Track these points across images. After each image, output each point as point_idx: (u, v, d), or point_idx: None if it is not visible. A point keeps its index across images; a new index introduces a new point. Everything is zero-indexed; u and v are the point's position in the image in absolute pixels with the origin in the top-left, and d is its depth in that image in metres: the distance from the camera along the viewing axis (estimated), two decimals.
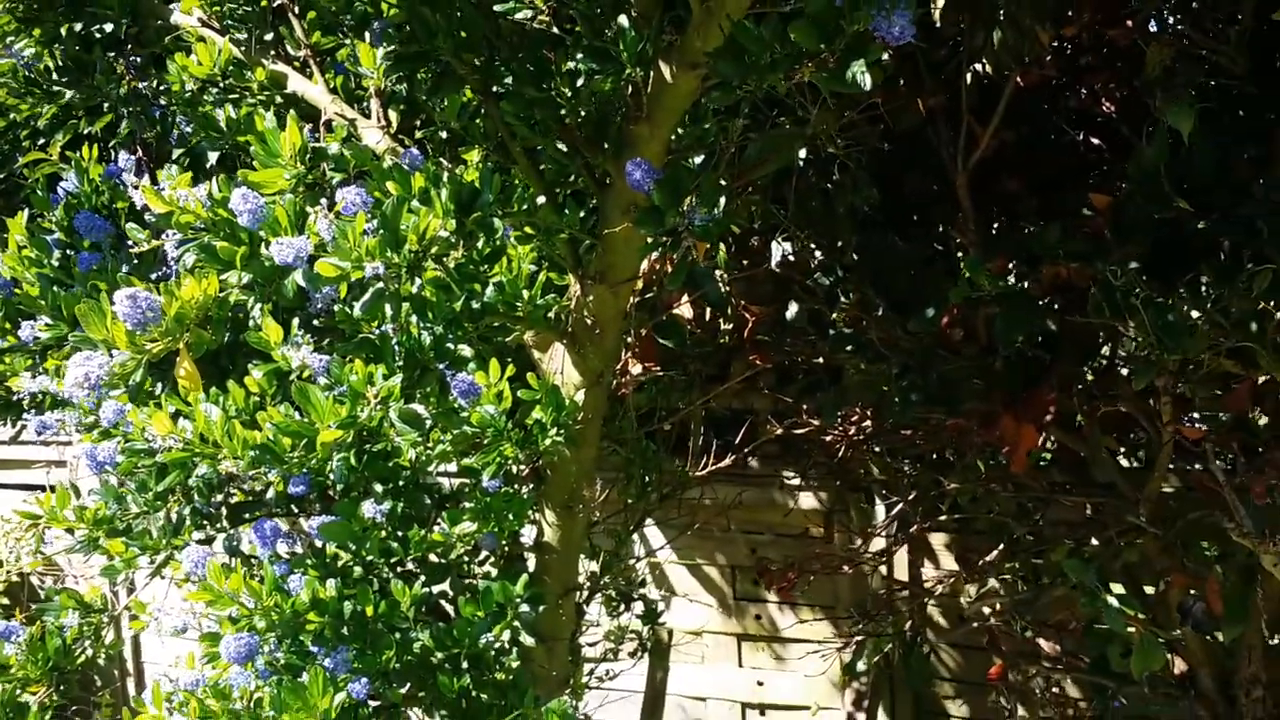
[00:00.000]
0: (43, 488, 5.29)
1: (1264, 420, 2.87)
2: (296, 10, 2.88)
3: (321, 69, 2.88)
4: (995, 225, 2.85)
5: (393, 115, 2.85)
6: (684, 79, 2.15)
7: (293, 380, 2.37)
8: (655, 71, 2.17)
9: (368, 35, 2.61)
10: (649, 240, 2.18)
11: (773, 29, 1.75)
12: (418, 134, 2.91)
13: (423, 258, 2.09)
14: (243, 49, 2.87)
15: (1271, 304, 2.50)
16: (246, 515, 2.93)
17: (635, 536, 3.56)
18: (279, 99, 2.92)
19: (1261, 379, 2.70)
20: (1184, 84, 2.39)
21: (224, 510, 2.89)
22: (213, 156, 3.07)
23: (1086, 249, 2.49)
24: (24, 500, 2.92)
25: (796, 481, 4.05)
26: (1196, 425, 2.98)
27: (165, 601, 2.79)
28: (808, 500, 4.10)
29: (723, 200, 1.90)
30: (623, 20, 2.13)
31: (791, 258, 3.08)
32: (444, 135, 2.91)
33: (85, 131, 3.34)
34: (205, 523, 2.84)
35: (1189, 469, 2.78)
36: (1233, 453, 2.62)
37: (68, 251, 3.09)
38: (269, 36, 2.93)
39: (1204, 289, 2.55)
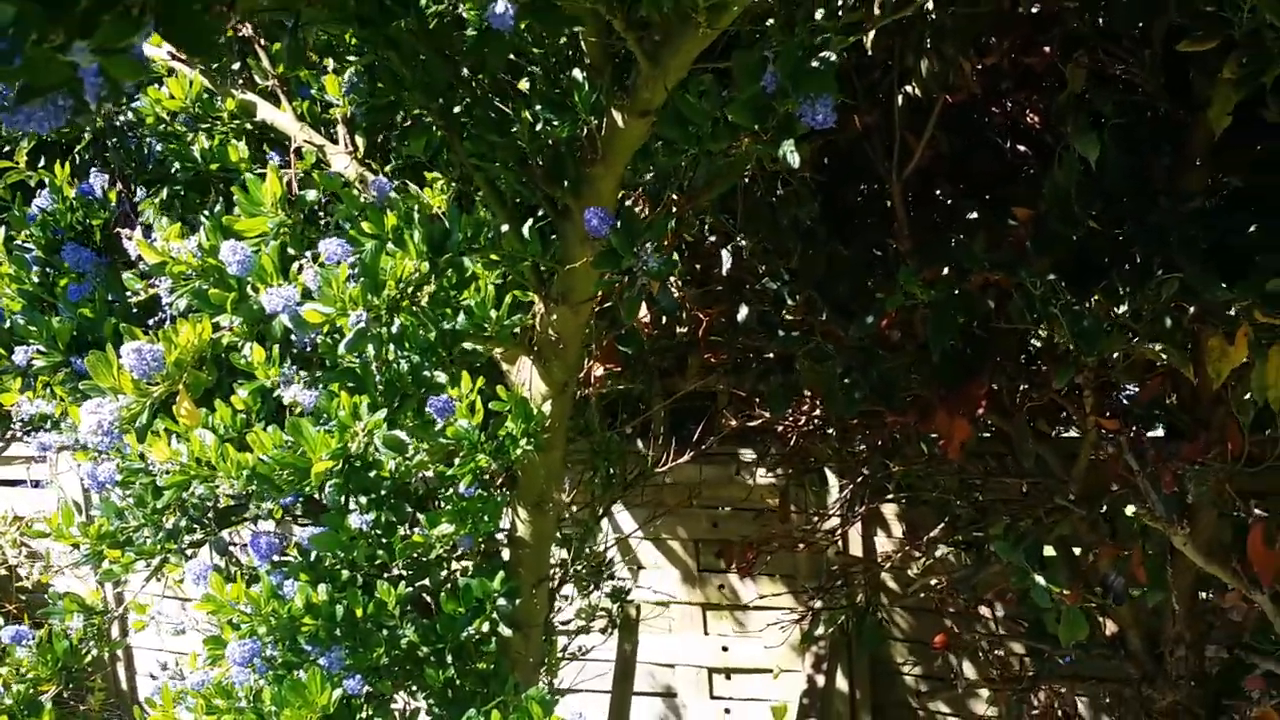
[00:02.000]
0: (22, 482, 5.55)
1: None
2: (263, 41, 3.08)
3: (289, 96, 3.08)
4: (929, 231, 3.12)
5: (360, 140, 3.07)
6: (634, 125, 2.39)
7: (276, 396, 2.63)
8: (608, 118, 2.41)
9: (339, 75, 2.84)
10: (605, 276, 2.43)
11: (712, 102, 2.00)
12: (385, 157, 3.13)
13: (401, 299, 2.33)
14: (212, 79, 3.07)
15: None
16: (234, 518, 3.20)
17: (604, 521, 3.85)
18: (249, 126, 3.13)
19: None
20: (1094, 110, 2.66)
21: (213, 514, 3.16)
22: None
23: (1009, 259, 2.77)
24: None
25: (753, 458, 4.35)
26: (1122, 401, 3.31)
27: (162, 602, 3.06)
28: (765, 477, 4.39)
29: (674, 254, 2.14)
30: (576, 73, 2.37)
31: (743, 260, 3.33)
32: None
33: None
34: (196, 527, 3.11)
35: (1106, 459, 3.09)
36: (1144, 444, 2.92)
37: (46, 270, 3.31)
38: (236, 65, 3.13)
39: (1120, 290, 2.83)
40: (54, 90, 1.13)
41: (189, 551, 3.14)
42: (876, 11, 2.53)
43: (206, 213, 3.06)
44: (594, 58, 2.38)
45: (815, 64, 1.89)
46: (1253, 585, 2.93)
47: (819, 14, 2.53)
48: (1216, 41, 2.16)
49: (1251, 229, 2.73)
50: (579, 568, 3.68)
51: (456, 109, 2.51)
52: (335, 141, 3.08)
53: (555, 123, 2.37)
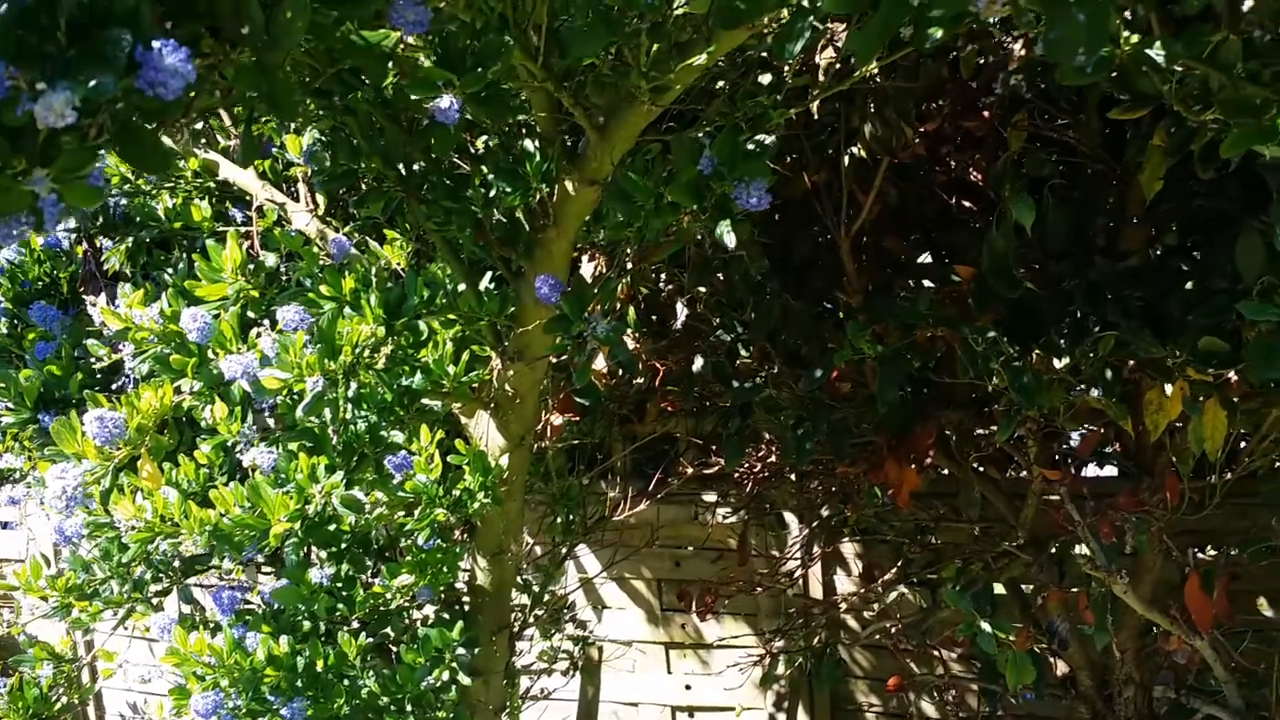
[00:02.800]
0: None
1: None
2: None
3: None
4: (876, 285, 3.23)
5: (320, 198, 3.17)
6: (584, 193, 2.49)
7: (238, 452, 2.72)
8: (560, 186, 2.52)
9: (299, 135, 2.93)
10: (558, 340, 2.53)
11: (655, 179, 2.10)
12: (346, 215, 3.23)
13: (357, 363, 2.42)
14: (176, 139, 3.16)
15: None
16: (198, 567, 3.29)
17: (568, 564, 3.94)
18: (212, 185, 3.23)
19: None
20: (1030, 174, 2.79)
21: (178, 563, 3.24)
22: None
23: (952, 316, 2.88)
24: None
25: (714, 500, 4.44)
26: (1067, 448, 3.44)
27: (130, 647, 3.13)
28: (726, 518, 4.49)
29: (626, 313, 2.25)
30: (528, 143, 2.47)
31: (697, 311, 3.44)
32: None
33: None
34: (162, 577, 3.20)
35: (1048, 507, 3.21)
36: (1085, 496, 3.04)
37: (15, 321, 3.40)
38: (199, 125, 3.22)
39: (1060, 345, 2.95)
40: (15, 214, 1.22)
41: (155, 600, 3.23)
42: (821, 79, 2.65)
43: (171, 271, 3.15)
44: (545, 129, 2.48)
45: (751, 146, 2.00)
46: (1191, 631, 3.05)
47: (765, 79, 2.66)
48: (1146, 110, 2.27)
49: (1186, 287, 2.84)
50: (540, 612, 3.76)
51: (413, 174, 2.60)
52: (296, 199, 3.18)
53: (509, 192, 2.47)
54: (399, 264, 3.00)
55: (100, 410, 2.25)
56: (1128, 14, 1.65)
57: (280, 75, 1.48)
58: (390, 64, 1.88)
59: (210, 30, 1.54)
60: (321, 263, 2.97)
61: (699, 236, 3.13)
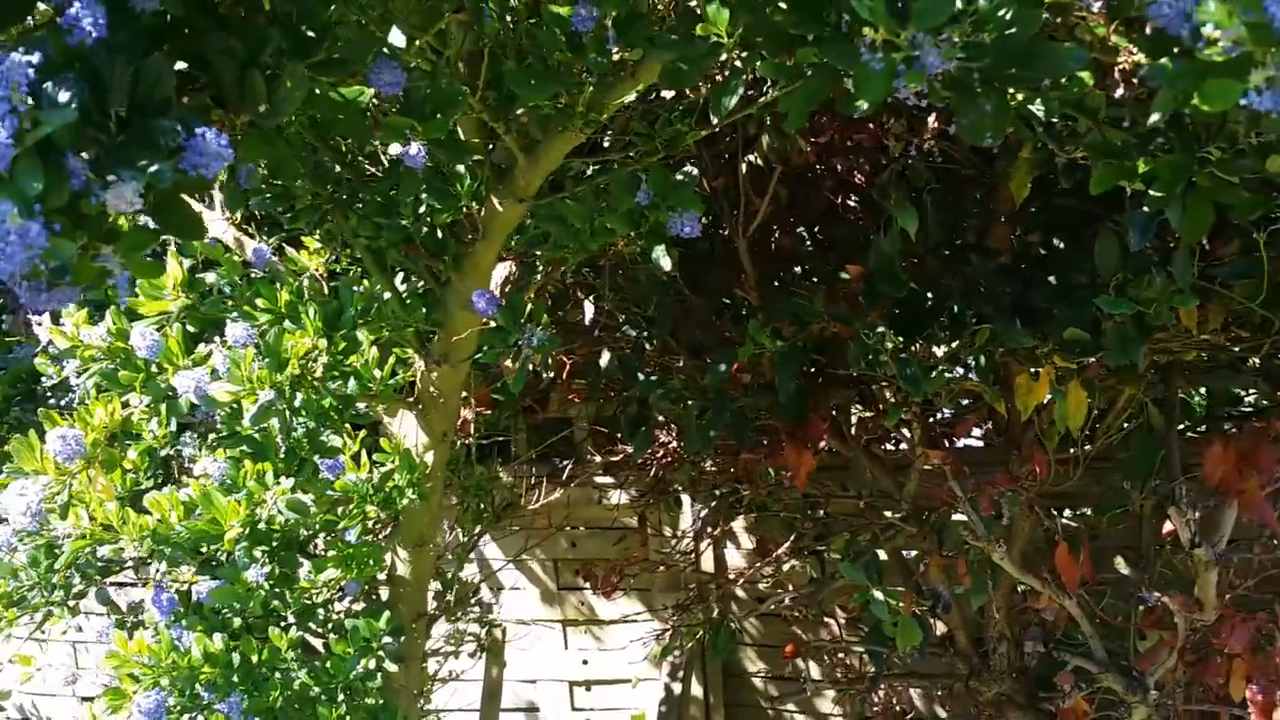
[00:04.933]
0: None
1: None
2: None
3: None
4: (774, 283, 3.56)
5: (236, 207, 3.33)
6: (511, 209, 2.74)
7: (163, 456, 2.91)
8: (488, 203, 2.76)
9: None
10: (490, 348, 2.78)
11: (589, 207, 2.37)
12: (262, 223, 3.40)
13: (302, 374, 2.64)
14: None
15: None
16: (114, 568, 3.45)
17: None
18: None
19: None
20: (909, 186, 3.15)
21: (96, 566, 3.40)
22: None
23: (844, 312, 3.22)
24: None
25: (611, 481, 4.75)
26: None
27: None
28: (620, 497, 4.80)
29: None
30: (460, 167, 2.71)
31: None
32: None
33: None
34: (82, 581, 3.35)
35: (930, 482, 3.61)
36: (964, 474, 3.43)
37: None
38: None
39: (940, 336, 3.32)
40: (86, 285, 1.44)
41: (71, 604, 3.38)
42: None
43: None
44: (474, 150, 2.72)
45: (680, 177, 2.28)
46: (1061, 592, 3.47)
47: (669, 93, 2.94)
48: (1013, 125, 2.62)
49: (1050, 282, 3.23)
50: (449, 598, 4.01)
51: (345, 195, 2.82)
52: (212, 208, 3.34)
53: (440, 207, 2.70)
54: (318, 270, 3.20)
55: (61, 429, 2.43)
56: None
57: (282, 144, 1.70)
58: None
59: (214, 100, 1.75)
60: (243, 271, 3.15)
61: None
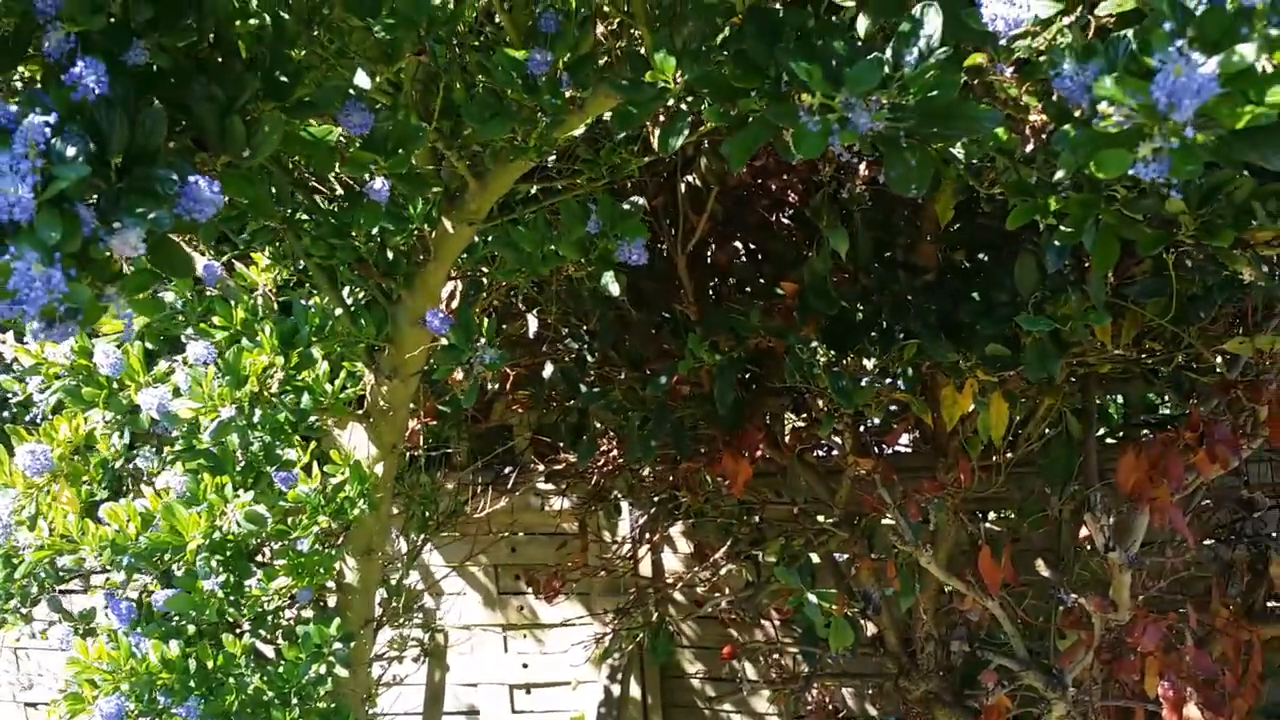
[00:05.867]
0: None
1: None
2: None
3: None
4: (712, 297, 3.75)
5: None
6: (462, 231, 2.90)
7: (117, 469, 3.04)
8: (440, 225, 2.92)
9: None
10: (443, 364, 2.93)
11: (540, 233, 2.54)
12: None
13: (261, 390, 2.78)
14: None
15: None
16: (64, 575, 3.55)
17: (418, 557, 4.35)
18: None
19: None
20: (840, 206, 3.35)
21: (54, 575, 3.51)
22: None
23: (779, 328, 3.42)
24: None
25: (550, 488, 4.92)
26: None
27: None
28: (561, 503, 4.97)
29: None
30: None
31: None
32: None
33: None
34: (38, 589, 3.46)
35: (861, 488, 3.82)
36: (893, 481, 3.65)
37: None
38: None
39: (870, 350, 3.53)
40: (91, 321, 1.58)
41: (24, 611, 3.48)
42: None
43: None
44: (426, 175, 2.88)
45: (627, 207, 2.46)
46: (984, 593, 3.69)
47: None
48: None
49: (973, 298, 3.45)
50: (395, 604, 4.16)
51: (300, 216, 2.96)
52: None
53: (393, 229, 2.86)
54: (268, 286, 3.33)
55: (31, 444, 2.55)
56: None
57: (261, 185, 1.85)
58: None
59: (195, 143, 1.90)
60: (194, 288, 3.27)
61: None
